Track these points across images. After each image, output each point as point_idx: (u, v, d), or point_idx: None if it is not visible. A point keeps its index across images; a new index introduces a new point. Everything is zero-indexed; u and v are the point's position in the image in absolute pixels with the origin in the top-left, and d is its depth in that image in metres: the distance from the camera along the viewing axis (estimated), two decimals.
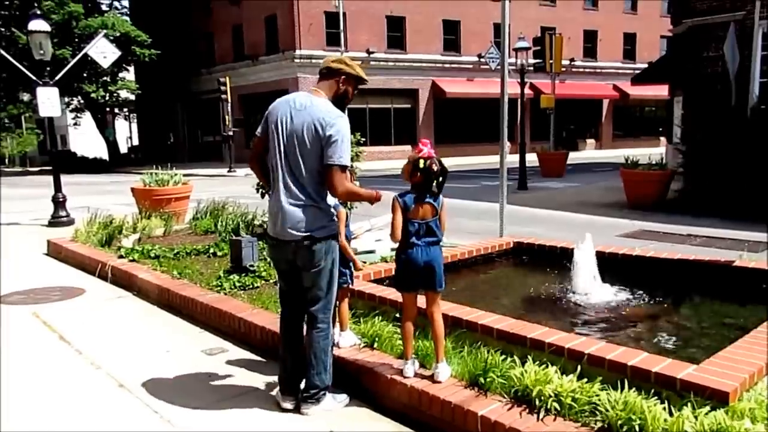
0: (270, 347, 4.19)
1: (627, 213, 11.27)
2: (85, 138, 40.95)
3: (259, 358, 4.18)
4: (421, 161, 3.21)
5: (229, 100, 27.33)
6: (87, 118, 37.76)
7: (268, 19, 30.88)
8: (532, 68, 18.04)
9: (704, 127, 12.58)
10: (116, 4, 41.13)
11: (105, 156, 37.99)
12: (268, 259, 6.06)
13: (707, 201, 10.98)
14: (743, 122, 11.43)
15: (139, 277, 5.97)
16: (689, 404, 2.66)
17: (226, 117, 27.64)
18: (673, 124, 16.84)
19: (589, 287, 4.70)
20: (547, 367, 3.03)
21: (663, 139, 42.50)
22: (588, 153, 36.69)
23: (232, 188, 18.44)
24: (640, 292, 4.75)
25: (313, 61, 29.46)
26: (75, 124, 37.41)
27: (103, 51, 11.18)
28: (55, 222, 10.78)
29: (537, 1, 35.87)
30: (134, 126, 46.99)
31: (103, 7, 35.86)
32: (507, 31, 6.46)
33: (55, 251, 8.12)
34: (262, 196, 7.24)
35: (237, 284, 5.33)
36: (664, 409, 2.64)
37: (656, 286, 4.83)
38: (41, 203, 14.20)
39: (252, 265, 5.55)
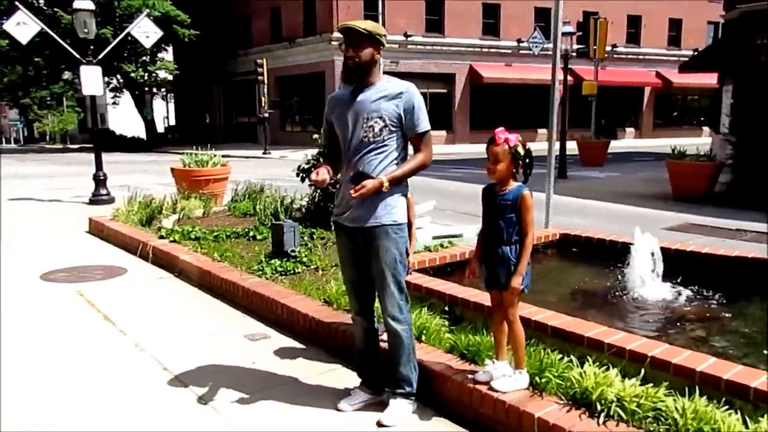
0: (313, 335, 4.13)
1: (672, 205, 10.92)
2: (122, 117, 41.65)
3: (302, 346, 4.12)
4: (520, 147, 2.92)
5: (266, 82, 27.37)
6: (125, 97, 38.36)
7: (307, 1, 30.76)
8: (575, 54, 17.56)
9: (756, 118, 12.08)
10: None
11: (142, 135, 38.61)
12: (309, 245, 6.02)
13: (757, 195, 10.55)
14: None
15: (181, 259, 5.97)
16: (766, 416, 2.49)
17: (263, 99, 27.70)
18: (721, 114, 16.23)
19: (644, 283, 4.52)
20: (608, 369, 2.88)
21: (705, 128, 41.40)
22: (627, 142, 35.83)
23: (268, 170, 18.50)
24: (698, 290, 4.54)
25: None
26: (114, 103, 38.00)
27: (146, 31, 11.21)
28: (95, 200, 10.92)
29: None
30: (171, 106, 47.60)
31: None
32: (560, 13, 6.22)
33: (97, 229, 8.20)
34: (302, 180, 7.17)
35: (278, 269, 5.27)
36: (738, 420, 2.49)
37: (714, 284, 4.61)
38: (81, 180, 14.44)
39: (293, 251, 5.49)
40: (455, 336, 3.54)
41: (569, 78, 27.49)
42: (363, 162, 2.98)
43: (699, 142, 18.44)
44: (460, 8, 31.54)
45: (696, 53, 36.37)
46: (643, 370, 2.87)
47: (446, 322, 3.81)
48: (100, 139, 11.78)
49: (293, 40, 31.65)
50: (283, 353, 4.01)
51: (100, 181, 11.04)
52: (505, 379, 2.98)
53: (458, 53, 31.94)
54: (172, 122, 47.40)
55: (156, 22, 12.43)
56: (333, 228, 3.25)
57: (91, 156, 11.36)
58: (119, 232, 7.46)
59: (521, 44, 33.15)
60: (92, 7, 10.45)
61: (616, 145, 29.89)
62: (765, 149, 11.05)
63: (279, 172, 17.96)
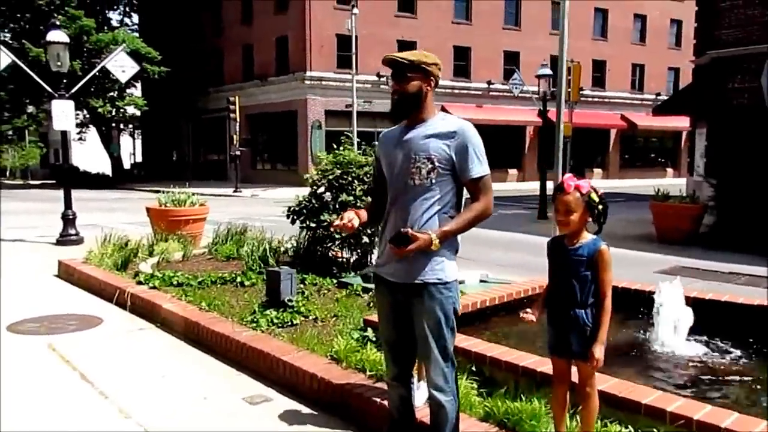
0: (322, 398, 3.73)
1: (658, 247, 10.86)
2: (87, 152, 40.68)
3: (310, 411, 3.70)
4: (593, 194, 2.66)
5: (238, 119, 27.04)
6: (91, 132, 37.51)
7: (279, 40, 30.77)
8: (549, 96, 17.74)
9: (735, 160, 12.24)
10: (126, 20, 40.95)
11: (108, 171, 37.69)
12: (306, 293, 5.62)
13: (742, 236, 10.57)
14: None
15: (164, 308, 5.50)
16: None
17: (234, 136, 27.34)
18: (695, 156, 16.51)
19: (673, 337, 4.25)
20: None
21: (670, 170, 42.49)
22: (595, 183, 35.96)
23: (242, 209, 18.02)
24: (726, 342, 4.30)
25: (323, 82, 29.30)
26: (80, 139, 37.06)
27: (122, 65, 10.83)
28: (63, 240, 10.31)
29: (547, 31, 35.90)
30: (138, 142, 46.76)
31: (114, 23, 35.85)
32: (565, 40, 6.12)
33: (67, 273, 7.64)
34: (293, 222, 6.80)
35: (275, 321, 4.85)
36: None
37: (741, 335, 4.37)
38: (46, 219, 13.75)
39: (290, 300, 5.09)
40: (491, 402, 3.18)
41: (538, 119, 27.98)
42: (407, 208, 2.65)
43: (665, 183, 18.64)
44: (432, 50, 30.72)
45: (659, 97, 37.54)
46: None
47: (474, 384, 3.45)
48: (67, 176, 11.22)
49: (265, 78, 31.52)
50: (290, 419, 3.59)
51: (68, 220, 10.44)
52: None
53: None
54: (139, 159, 46.48)
55: None
56: (373, 280, 2.90)
57: (55, 192, 10.82)
58: (92, 277, 6.93)
59: (491, 86, 33.76)
60: (66, 40, 10.05)
61: None
62: (746, 191, 11.15)
63: (253, 210, 17.52)
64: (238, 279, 6.28)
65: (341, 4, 28.24)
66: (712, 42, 15.03)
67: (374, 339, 4.13)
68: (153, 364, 4.59)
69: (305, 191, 7.00)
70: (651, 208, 11.84)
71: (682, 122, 25.25)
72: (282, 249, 7.36)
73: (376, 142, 7.02)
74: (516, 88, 18.41)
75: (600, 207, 2.65)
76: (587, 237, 2.66)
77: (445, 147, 2.62)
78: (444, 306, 2.63)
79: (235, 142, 27.34)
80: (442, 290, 2.63)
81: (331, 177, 6.49)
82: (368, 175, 6.50)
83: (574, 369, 2.75)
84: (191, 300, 5.63)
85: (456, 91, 33.16)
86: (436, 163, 2.61)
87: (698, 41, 16.33)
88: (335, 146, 6.87)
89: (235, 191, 25.88)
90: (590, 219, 2.67)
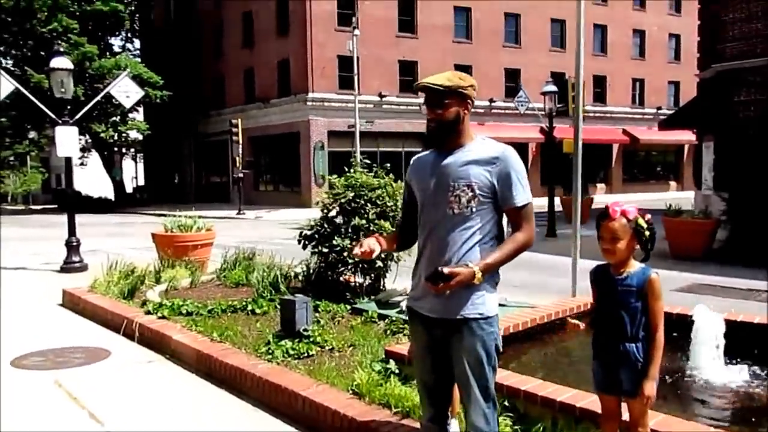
0: None
1: (673, 264, 10.64)
2: (89, 177, 40.73)
3: None
4: (641, 219, 2.50)
5: (240, 141, 27.01)
6: (92, 156, 37.55)
7: (281, 62, 30.82)
8: (555, 113, 17.64)
9: (747, 174, 12.09)
10: (128, 46, 41.19)
11: (109, 195, 37.64)
12: (322, 322, 5.43)
13: (756, 251, 10.38)
14: None
15: (174, 339, 5.31)
16: None
17: (237, 159, 27.27)
18: (702, 170, 16.36)
19: (710, 364, 4.05)
20: None
21: (673, 183, 42.37)
22: (599, 197, 36.19)
23: (247, 232, 17.84)
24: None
25: (326, 104, 29.31)
26: (82, 163, 37.05)
27: (126, 91, 10.75)
28: (67, 268, 10.15)
29: (547, 48, 36.04)
30: (140, 165, 46.81)
31: (116, 49, 36.03)
32: (581, 75, 6.01)
33: (72, 302, 7.46)
34: (304, 247, 6.63)
35: (290, 352, 4.65)
36: None
37: None
38: (49, 245, 13.60)
39: (306, 330, 4.90)
40: None
41: (540, 136, 27.97)
42: (445, 239, 2.47)
43: (669, 197, 18.46)
44: (433, 69, 31.64)
45: (660, 111, 37.56)
46: None
47: (508, 420, 3.26)
48: (70, 201, 11.09)
49: (267, 101, 31.55)
50: None
51: (72, 246, 10.28)
52: None
53: None
54: (141, 182, 46.50)
55: None
56: (407, 314, 2.72)
57: (57, 217, 10.69)
58: (99, 307, 6.75)
59: (493, 103, 33.78)
60: (70, 66, 10.00)
61: None
62: (759, 204, 10.98)
63: (258, 233, 17.37)
64: (249, 307, 6.09)
65: (342, 25, 28.34)
66: (715, 56, 14.97)
67: (397, 371, 3.94)
68: (164, 399, 4.40)
69: (309, 212, 6.87)
70: (663, 223, 11.65)
71: (684, 136, 25.19)
72: (293, 274, 7.19)
73: (387, 164, 6.88)
74: (522, 105, 18.34)
75: (647, 233, 2.48)
76: (635, 266, 2.50)
77: (487, 174, 2.45)
78: (486, 343, 2.46)
79: (238, 164, 27.28)
80: (484, 326, 2.45)
81: (343, 200, 6.34)
82: (380, 198, 6.36)
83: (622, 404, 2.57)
84: (202, 330, 5.44)
85: None
86: (477, 191, 2.44)
87: (702, 55, 16.27)
88: (346, 169, 6.72)
89: (238, 213, 25.75)
90: (637, 246, 2.50)
